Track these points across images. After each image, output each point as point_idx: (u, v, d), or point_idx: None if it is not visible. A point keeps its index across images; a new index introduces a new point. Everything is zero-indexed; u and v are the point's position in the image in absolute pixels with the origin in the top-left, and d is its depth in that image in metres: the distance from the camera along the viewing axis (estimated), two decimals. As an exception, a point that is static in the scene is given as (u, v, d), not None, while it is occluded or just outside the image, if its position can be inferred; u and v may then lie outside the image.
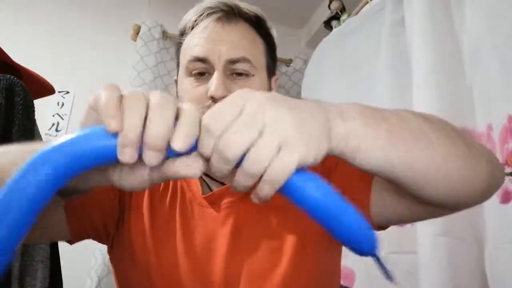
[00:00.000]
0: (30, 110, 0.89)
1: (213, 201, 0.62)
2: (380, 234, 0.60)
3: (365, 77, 1.35)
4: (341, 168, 0.61)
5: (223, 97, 0.60)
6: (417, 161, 0.41)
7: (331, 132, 0.36)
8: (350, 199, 0.57)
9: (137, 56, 1.85)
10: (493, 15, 0.88)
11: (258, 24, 0.67)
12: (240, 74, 0.62)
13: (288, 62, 2.10)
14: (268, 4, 2.02)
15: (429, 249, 0.90)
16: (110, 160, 0.31)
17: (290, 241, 0.60)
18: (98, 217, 0.61)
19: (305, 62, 1.84)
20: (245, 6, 0.65)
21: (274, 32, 0.71)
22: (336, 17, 1.73)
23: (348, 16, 1.64)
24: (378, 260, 0.39)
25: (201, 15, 0.64)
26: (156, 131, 0.30)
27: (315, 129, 0.34)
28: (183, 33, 0.66)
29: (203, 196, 0.63)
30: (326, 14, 1.84)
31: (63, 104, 1.98)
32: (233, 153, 0.31)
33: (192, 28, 0.65)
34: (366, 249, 0.39)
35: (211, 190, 0.64)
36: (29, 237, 0.54)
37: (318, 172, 0.35)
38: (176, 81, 0.70)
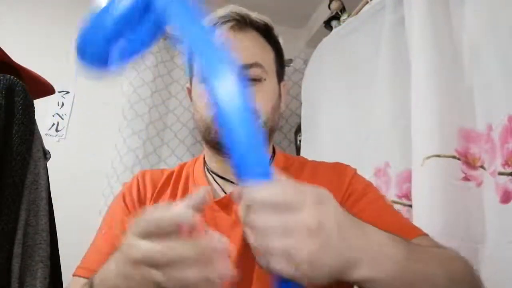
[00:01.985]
0: (30, 110, 0.89)
1: (225, 205, 0.63)
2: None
3: (365, 77, 1.35)
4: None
5: None
6: None
7: (347, 274, 0.38)
8: None
9: (137, 56, 1.85)
10: (493, 15, 0.88)
11: (267, 33, 0.71)
12: (252, 80, 0.65)
13: (288, 62, 2.08)
14: (268, 4, 2.03)
15: (429, 249, 0.90)
16: None
17: None
18: None
19: (305, 62, 1.83)
20: (255, 16, 0.69)
21: (281, 40, 0.74)
22: (336, 17, 1.73)
23: (348, 16, 1.64)
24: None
25: (214, 24, 0.67)
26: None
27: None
28: None
29: (215, 200, 0.64)
30: (326, 14, 1.83)
31: (63, 104, 1.98)
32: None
33: None
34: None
35: (225, 193, 0.65)
36: None
37: None
38: (188, 89, 0.74)
